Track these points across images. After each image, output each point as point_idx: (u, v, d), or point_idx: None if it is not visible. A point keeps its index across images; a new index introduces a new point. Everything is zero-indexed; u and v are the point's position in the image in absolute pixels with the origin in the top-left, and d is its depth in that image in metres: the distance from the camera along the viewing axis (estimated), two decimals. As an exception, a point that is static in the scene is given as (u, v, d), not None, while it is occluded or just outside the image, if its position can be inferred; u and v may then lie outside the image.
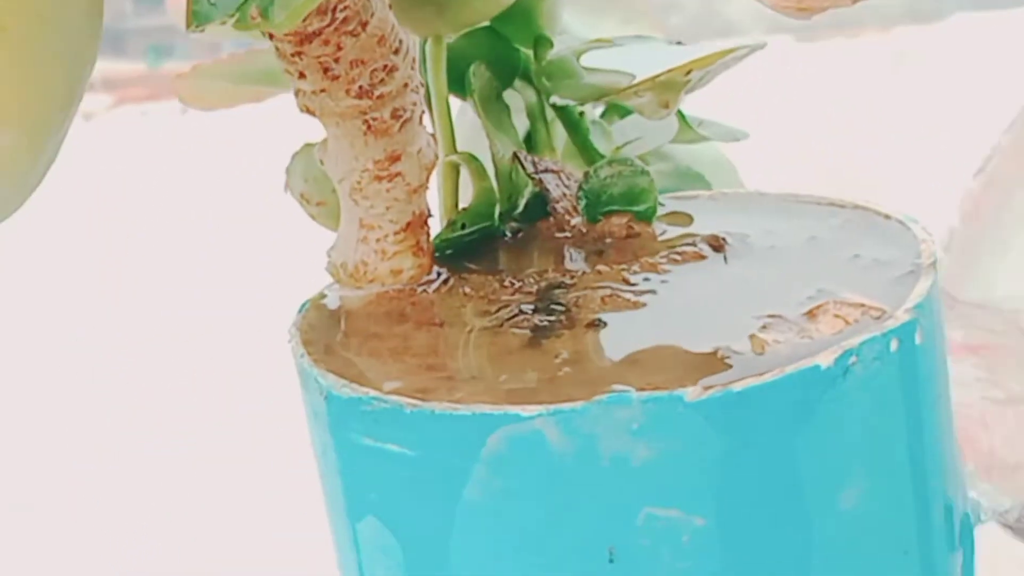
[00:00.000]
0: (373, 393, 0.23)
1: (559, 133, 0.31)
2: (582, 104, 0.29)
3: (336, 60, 0.24)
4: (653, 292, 0.26)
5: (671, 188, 0.31)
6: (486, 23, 0.30)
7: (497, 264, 0.28)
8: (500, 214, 0.29)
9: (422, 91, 0.26)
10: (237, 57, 0.34)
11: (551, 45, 0.30)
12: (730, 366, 0.22)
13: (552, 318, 0.25)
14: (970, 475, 0.29)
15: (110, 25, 0.23)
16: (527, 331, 0.25)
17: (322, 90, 0.25)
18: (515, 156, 0.30)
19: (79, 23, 0.21)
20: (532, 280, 0.27)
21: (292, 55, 0.24)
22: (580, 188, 0.29)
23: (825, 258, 0.26)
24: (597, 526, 0.22)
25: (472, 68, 0.30)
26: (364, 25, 0.24)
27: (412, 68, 0.25)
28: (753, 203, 0.29)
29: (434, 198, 0.29)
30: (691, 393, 0.21)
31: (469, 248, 0.29)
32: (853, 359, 0.22)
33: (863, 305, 0.23)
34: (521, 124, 0.31)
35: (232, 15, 0.21)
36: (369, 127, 0.25)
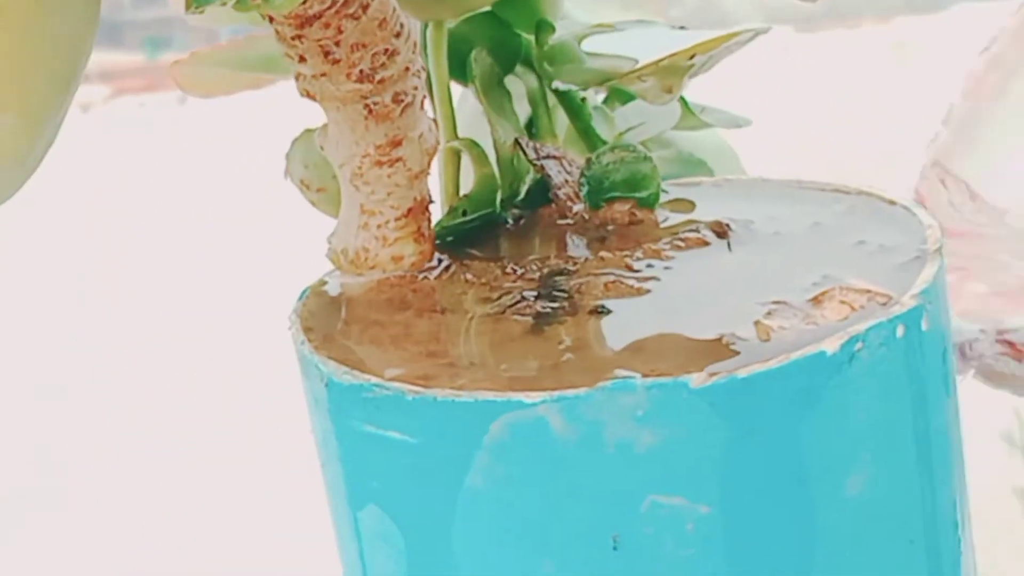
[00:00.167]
0: (374, 380, 0.23)
1: (561, 119, 0.31)
2: (584, 89, 0.29)
3: (337, 43, 0.24)
4: (656, 279, 0.25)
5: (673, 175, 0.31)
6: (487, 8, 0.30)
7: (499, 251, 0.28)
8: (502, 201, 0.29)
9: (424, 75, 0.26)
10: (236, 43, 0.34)
11: (553, 30, 0.30)
12: (735, 352, 0.22)
13: (555, 305, 0.25)
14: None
15: (107, 17, 0.23)
16: (529, 318, 0.25)
17: (323, 74, 0.24)
18: (517, 142, 0.29)
19: (77, 5, 0.21)
20: (534, 267, 0.27)
21: (292, 38, 0.24)
22: (582, 174, 0.29)
23: (830, 244, 0.26)
24: (601, 514, 0.22)
25: (473, 53, 0.30)
26: (365, 8, 0.24)
27: (413, 52, 0.25)
28: (756, 189, 0.29)
29: (435, 185, 0.29)
30: (696, 379, 0.21)
31: (470, 235, 0.29)
32: (859, 345, 0.22)
33: (869, 291, 0.23)
34: (522, 110, 0.31)
35: (232, -3, 0.21)
36: (370, 112, 0.25)
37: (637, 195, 0.28)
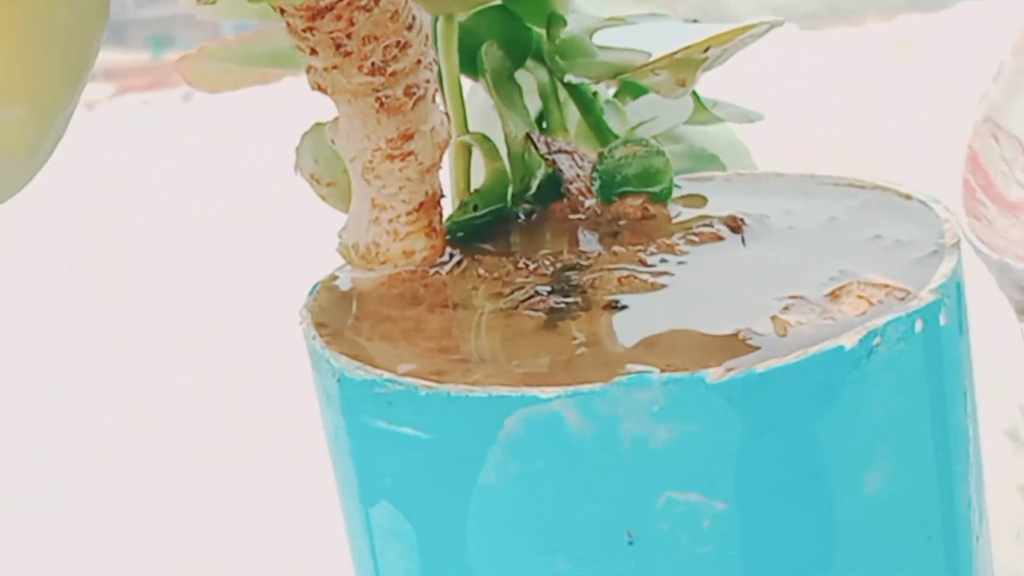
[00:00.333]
0: (387, 375, 0.23)
1: (572, 114, 0.31)
2: (597, 82, 0.29)
3: (348, 36, 0.24)
4: (671, 274, 0.25)
5: (685, 170, 0.31)
6: (498, 2, 0.29)
7: (510, 246, 0.28)
8: (513, 195, 0.29)
9: (436, 68, 0.25)
10: (243, 38, 0.34)
11: (564, 24, 0.29)
12: (752, 347, 0.22)
13: (568, 300, 0.25)
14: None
15: (110, 16, 0.23)
16: (542, 313, 0.24)
17: (334, 67, 0.24)
18: (528, 136, 0.29)
19: None
20: (547, 262, 0.26)
21: (304, 30, 0.24)
22: (594, 169, 0.28)
23: (846, 239, 0.25)
24: (616, 510, 0.21)
25: (484, 47, 0.29)
26: (377, 0, 0.24)
27: (425, 45, 0.25)
28: (770, 184, 0.29)
29: (445, 180, 0.29)
30: (713, 374, 0.21)
31: (481, 230, 0.28)
32: (877, 340, 0.21)
33: (887, 286, 0.23)
34: (533, 105, 0.31)
35: (244, -12, 0.21)
36: (382, 105, 0.25)
37: (650, 190, 0.28)
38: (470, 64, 0.30)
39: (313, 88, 0.25)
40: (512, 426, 0.21)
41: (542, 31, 0.30)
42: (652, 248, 0.26)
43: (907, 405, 0.22)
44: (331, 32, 0.24)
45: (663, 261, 0.26)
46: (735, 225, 0.27)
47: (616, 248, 0.26)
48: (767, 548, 0.22)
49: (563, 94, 0.31)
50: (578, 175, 0.29)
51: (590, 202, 0.28)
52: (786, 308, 0.23)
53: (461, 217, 0.28)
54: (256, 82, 0.35)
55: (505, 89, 0.30)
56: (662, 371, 0.21)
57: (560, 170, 0.29)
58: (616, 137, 0.30)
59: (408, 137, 0.25)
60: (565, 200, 0.29)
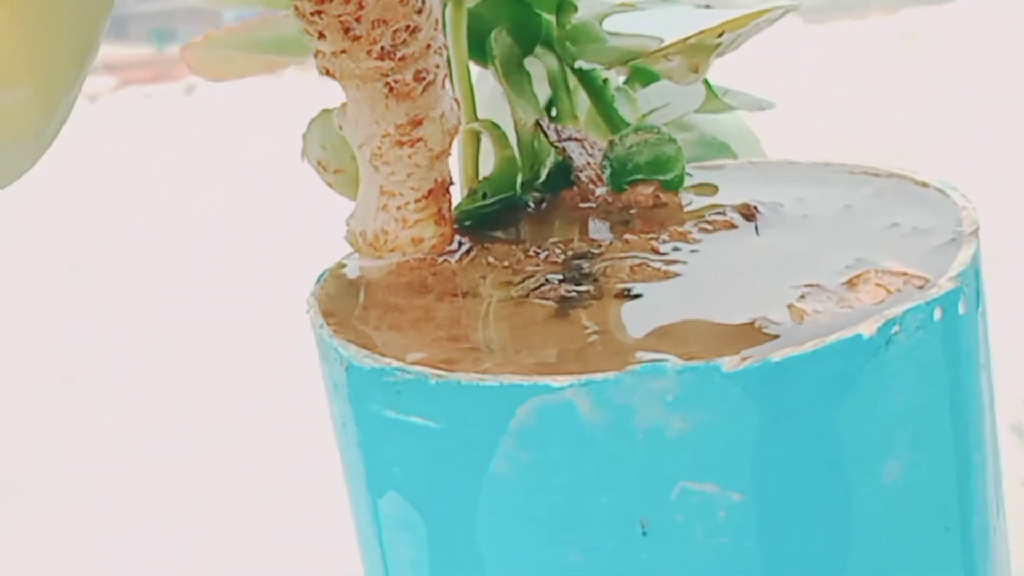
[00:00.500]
0: (396, 364, 0.22)
1: (582, 101, 0.30)
2: (607, 69, 0.29)
3: (357, 19, 0.23)
4: (684, 262, 0.25)
5: (696, 158, 0.31)
6: (507, -13, 0.29)
7: (520, 234, 0.27)
8: (522, 183, 0.29)
9: (446, 53, 0.25)
10: (248, 26, 0.33)
11: (574, 9, 0.29)
12: (768, 336, 0.21)
13: (579, 288, 0.24)
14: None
15: (112, 10, 0.22)
16: (553, 302, 0.24)
17: (342, 51, 0.24)
18: (537, 124, 0.29)
19: None
20: (557, 250, 0.26)
21: (312, 14, 0.23)
22: (605, 157, 0.28)
23: (862, 227, 0.25)
24: (629, 501, 0.21)
25: (493, 34, 0.29)
26: (386, -17, 0.23)
27: (435, 29, 0.24)
28: (783, 172, 0.28)
29: (454, 168, 0.28)
30: (729, 363, 0.20)
31: (490, 218, 0.28)
32: (896, 328, 0.21)
33: (905, 274, 0.22)
34: (542, 93, 0.30)
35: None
36: (391, 90, 0.24)
37: (661, 177, 0.28)
38: (479, 50, 0.29)
39: (321, 73, 0.24)
40: (524, 415, 0.21)
41: (552, 17, 0.30)
42: (664, 236, 0.26)
43: (925, 394, 0.22)
44: (340, 16, 0.23)
45: (675, 249, 0.25)
46: (748, 213, 0.26)
47: (628, 236, 0.26)
48: (783, 540, 0.21)
49: (573, 81, 0.30)
50: (588, 163, 0.28)
51: (601, 190, 0.28)
52: (802, 296, 0.22)
53: (470, 205, 0.28)
54: (261, 70, 0.34)
55: (514, 76, 0.29)
56: (677, 360, 0.21)
57: (570, 158, 0.28)
58: (627, 125, 0.29)
59: (417, 123, 0.25)
60: (575, 188, 0.28)
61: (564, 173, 0.29)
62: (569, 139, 0.29)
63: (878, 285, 0.22)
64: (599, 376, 0.21)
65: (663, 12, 0.30)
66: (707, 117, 0.32)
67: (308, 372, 0.25)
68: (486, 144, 0.29)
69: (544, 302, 0.24)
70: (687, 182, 0.28)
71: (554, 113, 0.30)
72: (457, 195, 0.28)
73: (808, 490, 0.21)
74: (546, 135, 0.29)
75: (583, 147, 0.29)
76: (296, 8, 0.24)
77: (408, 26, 0.24)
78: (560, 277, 0.25)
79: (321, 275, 0.26)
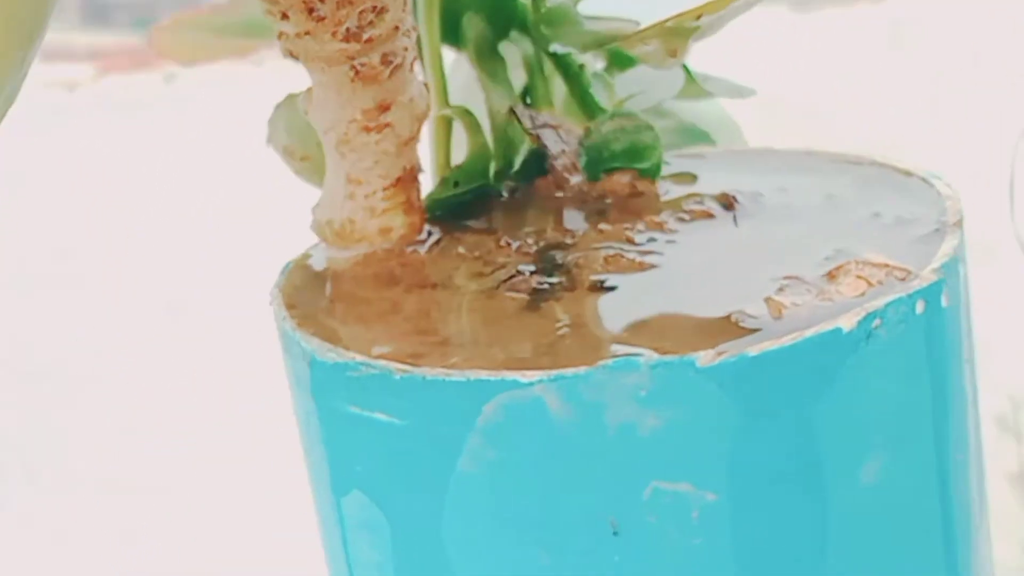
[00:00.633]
0: (360, 358, 0.21)
1: (558, 87, 0.29)
2: (583, 52, 0.28)
3: None
4: (660, 253, 0.24)
5: (675, 146, 0.30)
6: (481, -31, 0.28)
7: (492, 224, 0.27)
8: (495, 172, 0.28)
9: (414, 35, 0.24)
10: (218, 8, 0.32)
11: (550, -8, 0.28)
12: (745, 330, 0.21)
13: (552, 280, 0.24)
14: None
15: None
16: (525, 294, 0.23)
17: (306, 32, 0.23)
18: (512, 111, 0.28)
19: None
20: (530, 240, 0.25)
21: (273, -7, 0.23)
22: (580, 144, 0.27)
23: (843, 217, 0.24)
24: (600, 501, 0.20)
25: (466, 17, 0.28)
26: (351, -38, 0.22)
27: (404, 10, 0.24)
28: (763, 160, 0.28)
29: (425, 155, 0.28)
30: (703, 358, 0.20)
31: (462, 208, 0.27)
32: (877, 322, 0.20)
33: (887, 265, 0.21)
34: (518, 80, 0.30)
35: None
36: (357, 73, 0.23)
37: (638, 166, 0.27)
38: (452, 34, 0.28)
39: (285, 55, 0.24)
40: (491, 412, 0.20)
41: (527, 0, 0.29)
42: (640, 226, 0.25)
43: (907, 390, 0.21)
44: (302, -5, 0.22)
45: (652, 240, 0.24)
46: (727, 203, 0.26)
47: (602, 226, 0.25)
48: (759, 541, 0.21)
49: (549, 67, 0.29)
50: (563, 151, 0.28)
51: (576, 179, 0.27)
52: (781, 289, 0.22)
53: (441, 194, 0.27)
54: (232, 54, 0.34)
55: (488, 61, 0.29)
56: (650, 354, 0.20)
57: (545, 145, 0.28)
58: (603, 111, 0.28)
59: (385, 108, 0.24)
60: (550, 177, 0.28)
61: (539, 161, 0.28)
62: (544, 126, 0.28)
63: (859, 277, 0.21)
64: (569, 371, 0.20)
65: (640, -4, 0.29)
66: (687, 104, 0.31)
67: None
68: (459, 131, 0.28)
69: (515, 294, 0.23)
70: (665, 170, 0.27)
71: (529, 99, 0.29)
72: (428, 184, 0.27)
73: (785, 490, 0.20)
74: (520, 122, 0.28)
75: (558, 134, 0.28)
76: (258, -13, 0.23)
77: (375, 7, 0.23)
78: (532, 268, 0.24)
79: (286, 266, 0.26)
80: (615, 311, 0.22)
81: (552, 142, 0.28)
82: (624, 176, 0.27)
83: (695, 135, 0.31)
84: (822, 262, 0.22)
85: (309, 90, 0.25)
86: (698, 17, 0.24)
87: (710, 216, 0.25)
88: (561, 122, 0.28)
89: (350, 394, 0.22)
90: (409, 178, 0.25)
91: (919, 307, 0.21)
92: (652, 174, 0.27)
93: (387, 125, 0.24)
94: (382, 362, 0.21)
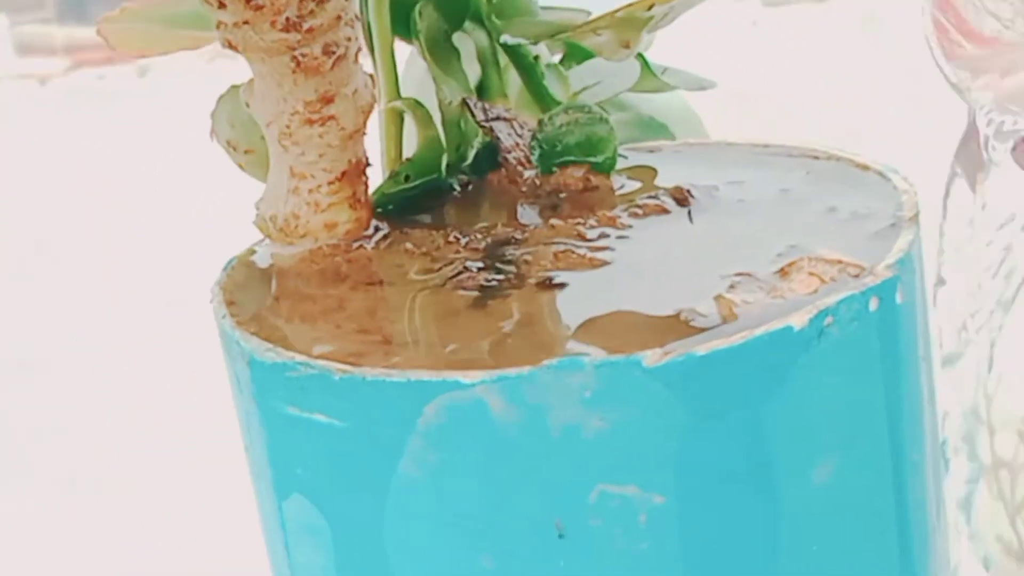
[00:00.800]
0: (299, 358, 0.21)
1: (513, 80, 0.29)
2: (535, 43, 0.27)
3: (259, -13, 0.22)
4: (611, 249, 0.23)
5: (632, 139, 0.29)
6: (433, -42, 0.27)
7: (443, 219, 0.26)
8: (447, 165, 0.27)
9: (358, 25, 0.23)
10: (167, -1, 0.32)
11: (504, -18, 0.28)
12: (694, 329, 0.20)
13: (500, 277, 0.23)
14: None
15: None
16: (472, 291, 0.23)
17: (245, 22, 0.22)
18: (464, 103, 0.27)
19: None
20: (480, 236, 0.25)
21: (210, -19, 0.22)
22: (534, 137, 0.27)
23: (798, 211, 0.24)
24: (545, 505, 0.20)
25: (418, 8, 0.28)
26: (290, -51, 0.22)
27: None
28: (720, 154, 0.27)
29: (375, 149, 0.27)
30: (650, 357, 0.19)
31: (412, 202, 0.27)
32: (829, 320, 0.20)
33: (840, 262, 0.21)
34: (472, 72, 0.29)
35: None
36: (298, 64, 0.23)
37: (592, 159, 0.26)
38: (404, 25, 0.28)
39: (223, 45, 0.23)
40: (432, 413, 0.20)
41: (481, -10, 0.28)
42: (592, 221, 0.24)
43: (860, 390, 0.21)
44: (240, -17, 0.22)
45: (603, 236, 0.24)
46: (682, 197, 0.25)
47: (554, 221, 0.25)
48: (708, 545, 0.20)
49: (504, 59, 0.29)
50: (517, 144, 0.27)
51: (529, 173, 0.27)
52: (732, 286, 0.21)
53: (391, 188, 0.27)
54: (183, 47, 0.33)
55: (441, 52, 0.28)
56: (595, 354, 0.19)
57: (498, 138, 0.27)
58: (558, 104, 0.28)
59: (328, 100, 0.23)
60: (503, 171, 0.27)
61: (491, 155, 0.27)
62: (497, 119, 0.27)
63: (811, 274, 0.21)
64: (512, 372, 0.19)
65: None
66: (645, 97, 0.31)
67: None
68: (410, 125, 0.27)
69: (463, 292, 0.23)
70: (620, 164, 0.27)
71: (483, 92, 0.29)
72: (379, 178, 0.27)
73: (735, 492, 0.20)
74: (473, 114, 0.27)
75: (512, 127, 0.27)
76: (195, -25, 0.22)
77: (316, -4, 0.22)
78: (480, 265, 0.23)
79: (229, 262, 0.25)
80: (563, 309, 0.22)
81: (505, 135, 0.27)
82: (578, 170, 0.26)
83: (654, 128, 0.30)
84: (775, 259, 0.22)
85: (250, 82, 0.24)
86: (650, 7, 0.24)
87: (664, 211, 0.25)
88: (515, 115, 0.28)
89: (289, 395, 0.21)
90: (355, 172, 0.25)
91: (873, 304, 0.20)
92: (606, 168, 0.26)
93: (331, 118, 0.24)
94: (322, 362, 0.21)
